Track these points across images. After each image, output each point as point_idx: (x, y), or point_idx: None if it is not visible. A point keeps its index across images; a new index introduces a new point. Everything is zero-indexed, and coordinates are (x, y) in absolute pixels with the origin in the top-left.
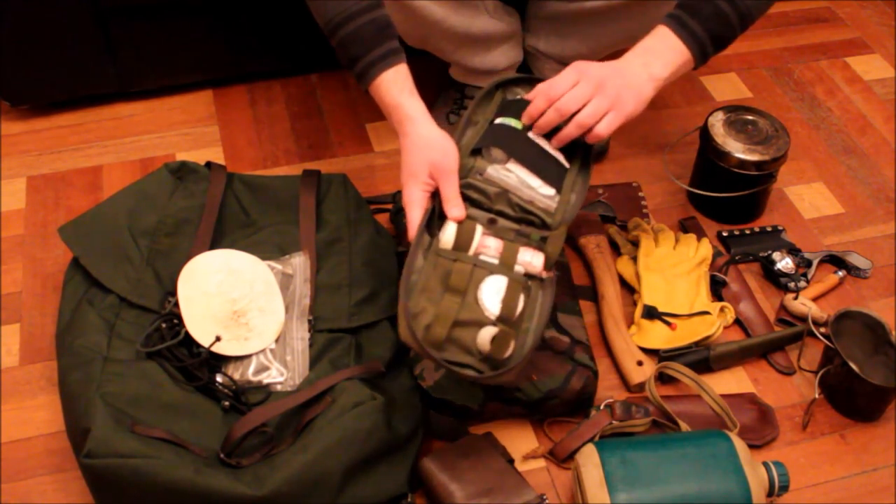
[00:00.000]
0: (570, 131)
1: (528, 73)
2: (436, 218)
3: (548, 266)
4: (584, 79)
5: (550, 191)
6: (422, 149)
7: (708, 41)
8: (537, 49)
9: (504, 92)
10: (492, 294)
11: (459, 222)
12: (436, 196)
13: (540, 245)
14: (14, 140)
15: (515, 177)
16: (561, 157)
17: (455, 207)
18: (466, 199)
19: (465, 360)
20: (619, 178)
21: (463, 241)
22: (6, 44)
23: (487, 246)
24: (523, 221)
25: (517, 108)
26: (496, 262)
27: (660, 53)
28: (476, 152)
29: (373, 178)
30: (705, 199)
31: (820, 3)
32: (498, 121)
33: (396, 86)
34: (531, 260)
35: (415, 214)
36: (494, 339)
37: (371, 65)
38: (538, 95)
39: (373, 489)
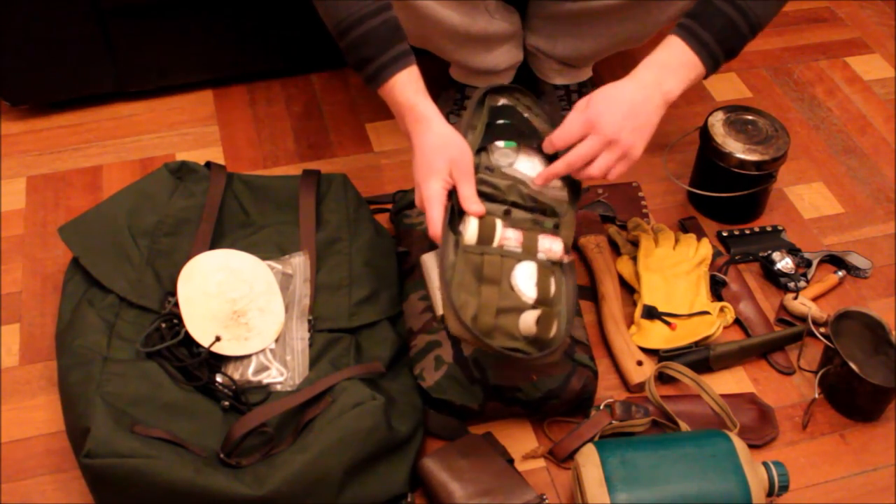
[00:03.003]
0: (579, 177)
1: (528, 73)
2: (456, 215)
3: (566, 250)
4: (595, 132)
5: (557, 182)
6: (441, 147)
7: (720, 53)
8: (538, 49)
9: (490, 100)
10: (525, 279)
11: (480, 217)
12: (451, 194)
13: (555, 231)
14: (14, 140)
15: (525, 175)
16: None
17: (474, 204)
18: (480, 194)
19: (514, 345)
20: (619, 179)
21: (486, 236)
22: (6, 44)
23: (508, 238)
24: (535, 210)
25: (508, 113)
26: (520, 251)
27: (674, 70)
28: (479, 150)
29: (373, 178)
30: (705, 199)
31: (820, 3)
32: (499, 122)
33: (410, 87)
34: (551, 246)
35: (436, 212)
36: (539, 320)
37: (384, 67)
38: (549, 145)
39: (373, 489)
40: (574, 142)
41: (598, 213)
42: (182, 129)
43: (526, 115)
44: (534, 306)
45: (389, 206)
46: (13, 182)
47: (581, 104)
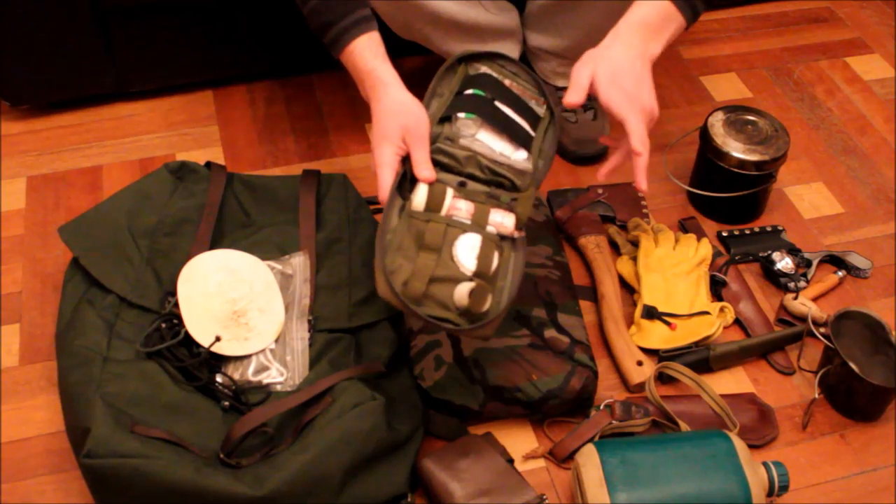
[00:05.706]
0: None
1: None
2: (407, 182)
3: (519, 226)
4: (633, 107)
5: (523, 154)
6: (396, 113)
7: (699, 1)
8: (541, 48)
9: (467, 67)
10: (467, 251)
11: (430, 184)
12: (406, 161)
13: (510, 206)
14: (14, 140)
15: (486, 146)
16: (527, 126)
17: (425, 170)
18: (437, 164)
19: (445, 315)
20: (619, 178)
21: (434, 203)
22: (6, 44)
23: (458, 208)
24: (493, 184)
25: (484, 82)
26: (468, 222)
27: (657, 28)
28: (444, 120)
29: (373, 178)
30: (705, 199)
31: (820, 3)
32: (466, 92)
33: (370, 51)
34: (502, 220)
35: (386, 176)
36: (472, 293)
37: (344, 31)
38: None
39: (373, 489)
40: (586, 94)
41: (598, 213)
42: (182, 129)
43: (507, 82)
44: (471, 279)
45: None
46: (13, 182)
47: (582, 71)
